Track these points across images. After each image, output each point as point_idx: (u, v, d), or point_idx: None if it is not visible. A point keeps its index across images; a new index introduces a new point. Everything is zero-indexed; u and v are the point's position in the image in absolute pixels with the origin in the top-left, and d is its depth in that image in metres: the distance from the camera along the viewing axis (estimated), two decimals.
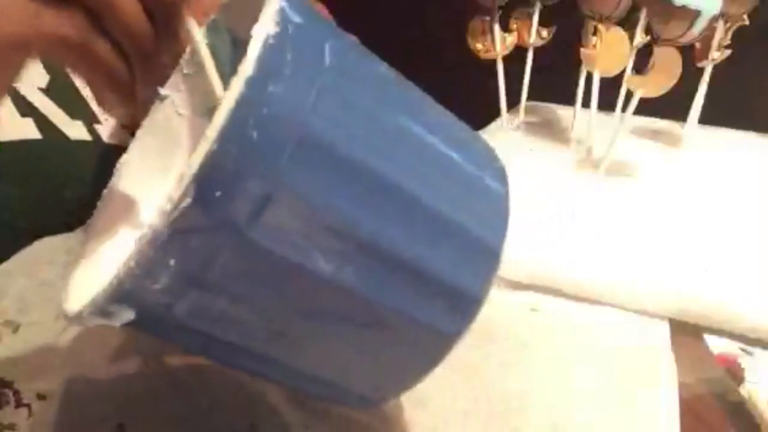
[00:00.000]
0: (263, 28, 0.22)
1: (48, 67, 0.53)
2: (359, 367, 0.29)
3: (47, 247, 0.51)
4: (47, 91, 0.54)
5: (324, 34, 0.25)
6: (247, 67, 0.21)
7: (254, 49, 0.21)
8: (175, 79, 0.33)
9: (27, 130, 0.52)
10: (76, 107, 0.56)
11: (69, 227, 0.53)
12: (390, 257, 0.25)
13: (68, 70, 0.27)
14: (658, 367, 0.42)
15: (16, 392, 0.37)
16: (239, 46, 0.30)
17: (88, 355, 0.39)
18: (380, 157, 0.25)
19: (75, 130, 0.55)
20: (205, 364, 0.38)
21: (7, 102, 0.50)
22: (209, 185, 0.21)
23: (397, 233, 0.25)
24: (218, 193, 0.21)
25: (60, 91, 0.55)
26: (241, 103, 0.21)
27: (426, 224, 0.26)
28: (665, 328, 0.46)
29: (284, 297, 0.25)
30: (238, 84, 0.21)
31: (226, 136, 0.21)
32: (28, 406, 0.36)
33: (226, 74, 0.30)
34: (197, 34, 0.27)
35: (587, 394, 0.39)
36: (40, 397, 0.37)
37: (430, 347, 0.29)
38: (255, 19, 0.23)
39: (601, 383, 0.40)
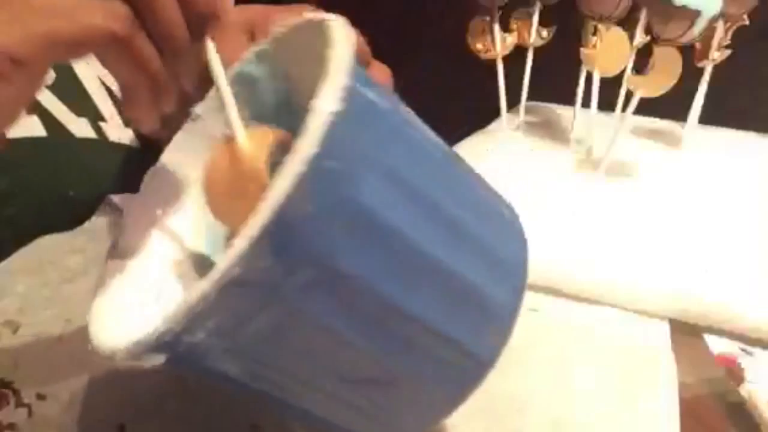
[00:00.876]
0: (326, 105, 0.22)
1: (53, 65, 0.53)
2: (372, 420, 0.30)
3: (49, 245, 0.51)
4: (53, 88, 0.54)
5: (381, 108, 0.25)
6: (306, 145, 0.21)
7: (315, 128, 0.21)
8: (207, 99, 0.33)
9: (32, 127, 0.52)
10: (81, 105, 0.56)
11: (72, 225, 0.53)
12: (420, 325, 0.26)
13: (108, 68, 0.27)
14: (658, 367, 0.42)
15: (16, 392, 0.37)
16: (284, 79, 0.31)
17: (88, 355, 0.39)
18: (421, 231, 0.25)
19: (80, 128, 0.56)
20: None
21: None
22: (255, 261, 0.21)
23: (427, 303, 0.26)
24: (263, 265, 0.21)
25: (65, 88, 0.55)
26: (298, 181, 0.21)
27: (456, 296, 0.27)
28: (665, 328, 0.46)
29: (313, 361, 0.26)
30: (296, 162, 0.21)
31: (280, 213, 0.21)
32: (28, 406, 0.36)
33: (267, 104, 0.31)
34: (215, 60, 0.27)
35: (587, 394, 0.39)
36: (40, 397, 0.37)
37: (442, 402, 0.30)
38: (305, 57, 0.23)
39: (601, 383, 0.40)
